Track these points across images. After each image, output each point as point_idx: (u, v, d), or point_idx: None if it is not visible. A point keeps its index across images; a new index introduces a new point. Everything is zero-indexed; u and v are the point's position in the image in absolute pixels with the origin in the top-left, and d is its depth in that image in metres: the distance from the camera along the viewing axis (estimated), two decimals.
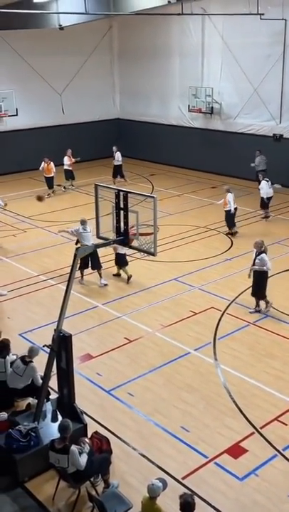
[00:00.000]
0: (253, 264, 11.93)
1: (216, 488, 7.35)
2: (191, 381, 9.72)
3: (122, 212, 8.99)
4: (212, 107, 23.41)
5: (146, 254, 10.70)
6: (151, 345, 10.94)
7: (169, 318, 11.95)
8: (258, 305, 12.16)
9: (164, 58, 25.07)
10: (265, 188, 17.99)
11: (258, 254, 11.88)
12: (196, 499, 6.33)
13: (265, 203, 18.25)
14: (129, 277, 13.75)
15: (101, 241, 9.44)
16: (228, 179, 22.20)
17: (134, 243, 9.57)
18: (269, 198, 18.17)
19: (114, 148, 22.62)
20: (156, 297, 12.95)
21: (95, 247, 9.51)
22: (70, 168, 22.24)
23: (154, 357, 10.51)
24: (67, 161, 22.03)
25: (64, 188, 22.34)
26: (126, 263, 13.78)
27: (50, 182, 21.62)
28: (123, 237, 9.10)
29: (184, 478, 7.53)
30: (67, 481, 7.21)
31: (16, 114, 23.95)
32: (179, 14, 18.55)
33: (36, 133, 25.16)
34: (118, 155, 22.44)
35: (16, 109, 23.87)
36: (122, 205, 8.98)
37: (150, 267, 14.55)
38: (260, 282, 11.98)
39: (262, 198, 18.21)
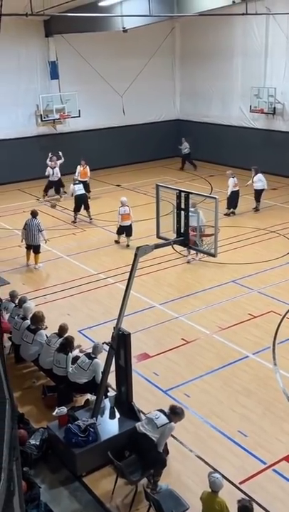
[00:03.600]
0: None
1: (274, 496, 7.21)
2: (249, 385, 9.58)
3: (182, 212, 8.98)
4: (274, 108, 23.01)
5: (205, 255, 10.67)
6: (209, 347, 10.86)
7: (227, 321, 11.82)
8: None
9: (226, 59, 24.85)
10: (264, 181, 18.82)
11: None
12: (254, 505, 6.24)
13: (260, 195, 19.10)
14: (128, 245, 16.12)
15: (161, 241, 9.46)
16: None
17: (195, 244, 9.55)
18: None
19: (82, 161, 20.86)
20: (215, 299, 12.84)
21: (154, 247, 9.53)
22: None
23: (211, 359, 10.42)
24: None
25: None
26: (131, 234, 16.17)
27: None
28: (183, 238, 9.08)
29: (241, 483, 7.43)
30: (125, 477, 7.26)
31: (79, 116, 24.37)
32: (243, 14, 18.29)
33: (97, 134, 25.53)
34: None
35: (79, 111, 24.26)
36: (182, 206, 8.97)
37: (209, 268, 14.46)
38: None
39: (261, 191, 18.92)
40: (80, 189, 18.59)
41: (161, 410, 7.51)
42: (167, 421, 7.26)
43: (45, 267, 15.16)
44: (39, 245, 14.91)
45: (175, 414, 7.40)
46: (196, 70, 26.52)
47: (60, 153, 21.87)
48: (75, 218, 18.80)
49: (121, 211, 16.16)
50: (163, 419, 7.28)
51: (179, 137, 27.86)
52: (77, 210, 18.77)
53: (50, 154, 21.59)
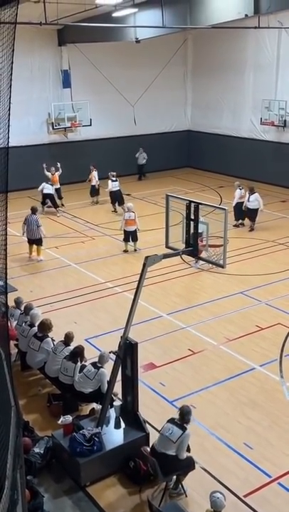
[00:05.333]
0: None
1: (279, 509, 7.12)
2: (255, 397, 9.51)
3: (192, 223, 8.97)
4: (285, 120, 23.04)
5: (213, 266, 10.64)
6: (216, 359, 10.81)
7: (234, 332, 11.77)
8: None
9: (238, 71, 24.94)
10: (261, 200, 18.24)
11: None
12: None
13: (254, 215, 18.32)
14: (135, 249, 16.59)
15: (170, 251, 9.45)
16: None
17: (203, 254, 9.54)
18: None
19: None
20: (222, 310, 12.80)
21: (163, 257, 9.52)
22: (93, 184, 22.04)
23: (218, 370, 10.37)
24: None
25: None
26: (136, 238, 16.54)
27: (91, 190, 22.03)
28: (192, 248, 9.07)
29: (245, 496, 7.35)
30: (156, 474, 7.22)
31: (90, 125, 24.52)
32: (255, 28, 18.39)
33: (108, 143, 25.63)
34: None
35: (90, 120, 24.45)
36: (192, 216, 8.96)
37: (216, 279, 14.43)
38: None
39: (256, 210, 18.17)
40: (114, 186, 20.48)
41: (171, 420, 7.38)
42: (181, 431, 7.14)
43: (53, 274, 15.21)
44: (40, 238, 15.97)
45: (186, 420, 7.29)
46: (208, 82, 26.63)
47: (59, 165, 21.96)
48: (115, 209, 20.67)
49: (126, 216, 16.56)
50: (176, 432, 7.15)
51: (190, 148, 28.02)
52: (113, 202, 20.76)
53: (45, 165, 21.58)
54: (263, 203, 18.34)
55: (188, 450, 7.41)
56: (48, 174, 21.51)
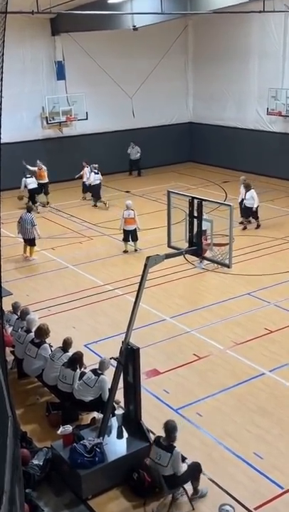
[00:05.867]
0: None
1: None
2: (265, 404, 9.54)
3: (195, 220, 9.00)
4: None
5: (218, 266, 10.67)
6: (222, 364, 10.84)
7: (241, 336, 11.80)
8: None
9: (242, 59, 24.95)
10: (257, 198, 18.00)
11: None
12: None
13: (254, 212, 18.24)
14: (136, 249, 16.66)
15: (172, 250, 9.50)
16: None
17: (208, 254, 9.57)
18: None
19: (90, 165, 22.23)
20: (229, 312, 12.83)
21: (165, 257, 9.56)
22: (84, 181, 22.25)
23: (225, 376, 10.40)
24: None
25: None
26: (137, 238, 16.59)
27: (83, 187, 22.38)
28: (196, 247, 9.11)
29: (256, 508, 7.39)
30: (161, 487, 7.26)
31: (86, 118, 24.57)
32: (260, 12, 18.42)
33: (105, 137, 25.68)
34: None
35: (86, 113, 24.51)
36: (195, 214, 8.99)
37: (222, 279, 14.47)
38: None
39: (251, 208, 18.02)
40: (96, 179, 21.27)
41: (157, 442, 7.33)
42: (169, 454, 7.12)
43: (50, 277, 15.27)
44: (33, 238, 16.32)
45: (172, 438, 7.23)
46: (210, 71, 26.64)
47: (39, 162, 22.03)
48: (106, 204, 21.16)
49: (125, 215, 16.57)
50: (164, 456, 7.13)
51: (193, 141, 28.07)
52: (93, 196, 21.67)
53: (24, 161, 21.59)
54: (258, 201, 18.16)
55: (184, 460, 7.41)
56: (34, 169, 21.69)
